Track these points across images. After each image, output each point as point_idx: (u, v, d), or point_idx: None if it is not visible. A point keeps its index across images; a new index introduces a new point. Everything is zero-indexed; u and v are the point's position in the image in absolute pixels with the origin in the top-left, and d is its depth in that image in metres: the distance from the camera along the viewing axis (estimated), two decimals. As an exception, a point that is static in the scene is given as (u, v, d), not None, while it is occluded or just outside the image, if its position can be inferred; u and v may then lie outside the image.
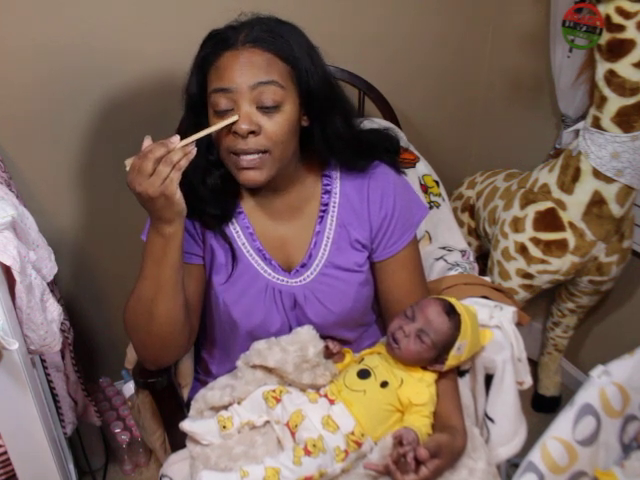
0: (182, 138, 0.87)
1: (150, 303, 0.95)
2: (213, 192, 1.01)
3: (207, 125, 0.95)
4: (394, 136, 1.13)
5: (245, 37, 0.92)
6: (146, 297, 0.95)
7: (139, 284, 0.96)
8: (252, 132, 0.91)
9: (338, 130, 1.00)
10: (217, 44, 0.93)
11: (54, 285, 1.36)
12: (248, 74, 0.90)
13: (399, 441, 0.89)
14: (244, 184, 0.97)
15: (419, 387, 0.99)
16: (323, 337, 1.04)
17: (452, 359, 1.01)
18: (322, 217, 1.07)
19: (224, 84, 0.91)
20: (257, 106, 0.91)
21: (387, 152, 1.10)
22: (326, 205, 1.07)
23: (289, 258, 1.07)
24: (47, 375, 1.29)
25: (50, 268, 1.01)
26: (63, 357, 1.34)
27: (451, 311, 1.01)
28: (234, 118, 0.90)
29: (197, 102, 0.97)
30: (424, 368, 1.02)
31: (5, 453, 1.00)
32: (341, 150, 1.02)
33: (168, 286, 0.94)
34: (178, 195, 0.86)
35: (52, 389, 1.31)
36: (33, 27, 1.33)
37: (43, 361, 1.26)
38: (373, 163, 1.08)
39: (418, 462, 0.87)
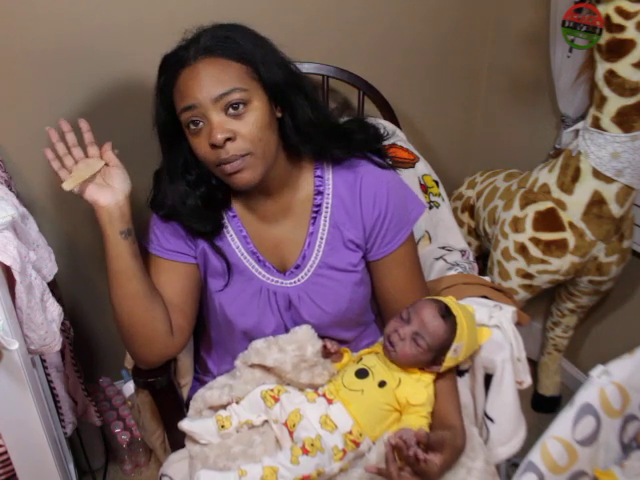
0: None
1: (113, 296, 1.00)
2: (195, 212, 1.02)
3: (179, 145, 0.99)
4: (371, 124, 1.11)
5: (195, 51, 0.93)
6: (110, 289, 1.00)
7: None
8: (228, 139, 0.91)
9: (308, 115, 0.99)
10: (172, 66, 0.94)
11: (54, 285, 1.36)
12: (207, 87, 0.91)
13: (407, 445, 0.87)
14: (239, 188, 0.97)
15: (417, 387, 0.99)
16: (321, 337, 1.04)
17: (449, 361, 1.01)
18: (315, 218, 1.06)
19: (188, 102, 0.92)
20: (226, 113, 0.91)
21: (365, 142, 1.08)
22: (319, 206, 1.06)
23: (283, 259, 1.07)
24: (47, 375, 1.29)
25: (50, 268, 1.02)
26: (63, 357, 1.34)
27: (446, 313, 1.01)
28: (99, 164, 0.97)
29: (171, 128, 0.98)
30: (422, 369, 1.01)
31: (5, 453, 1.01)
32: (314, 137, 1.01)
33: (113, 279, 0.98)
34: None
35: (52, 389, 1.31)
36: (34, 26, 1.33)
37: (43, 361, 1.26)
38: (360, 162, 1.07)
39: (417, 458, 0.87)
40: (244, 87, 0.92)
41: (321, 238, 1.06)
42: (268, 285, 1.05)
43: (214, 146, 0.91)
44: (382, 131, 1.12)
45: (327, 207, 1.06)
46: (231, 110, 0.91)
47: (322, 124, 1.01)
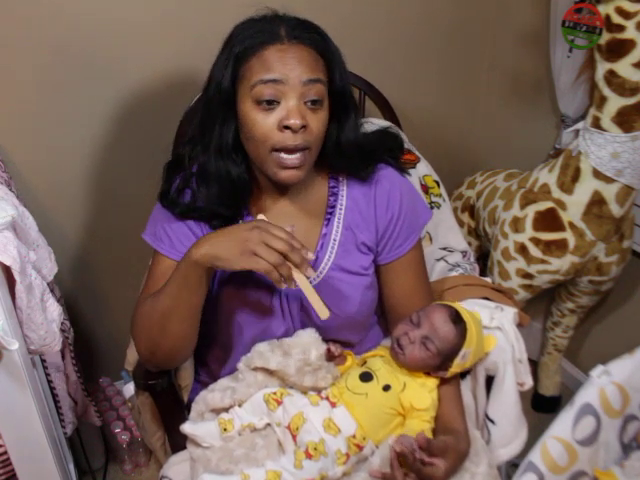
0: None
1: (166, 319, 0.95)
2: (240, 183, 1.00)
3: (232, 119, 0.95)
4: (395, 134, 1.13)
5: (287, 32, 0.92)
6: (163, 312, 0.95)
7: (160, 297, 0.96)
8: (303, 126, 0.91)
9: (352, 133, 1.00)
10: (257, 35, 0.92)
11: (54, 285, 1.36)
12: (299, 69, 0.90)
13: (411, 452, 0.86)
14: (284, 182, 0.97)
15: (421, 392, 0.98)
16: (326, 340, 1.03)
17: (456, 366, 1.00)
18: (329, 219, 1.06)
19: (275, 75, 0.90)
20: (304, 101, 0.91)
21: (389, 151, 1.10)
22: (333, 207, 1.06)
23: None
24: (47, 375, 1.29)
25: (50, 268, 1.01)
26: (63, 357, 1.34)
27: (457, 319, 1.00)
28: None
29: (229, 96, 0.95)
30: (427, 373, 1.01)
31: (5, 453, 1.00)
32: (349, 154, 1.02)
33: (190, 310, 0.95)
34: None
35: (52, 389, 1.31)
36: (34, 26, 1.33)
37: (43, 361, 1.26)
38: (378, 166, 1.07)
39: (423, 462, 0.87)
40: (325, 82, 0.94)
41: (334, 240, 1.05)
42: (280, 287, 1.04)
43: (285, 128, 0.90)
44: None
45: (341, 209, 1.06)
46: (310, 104, 0.92)
47: (359, 146, 1.03)
